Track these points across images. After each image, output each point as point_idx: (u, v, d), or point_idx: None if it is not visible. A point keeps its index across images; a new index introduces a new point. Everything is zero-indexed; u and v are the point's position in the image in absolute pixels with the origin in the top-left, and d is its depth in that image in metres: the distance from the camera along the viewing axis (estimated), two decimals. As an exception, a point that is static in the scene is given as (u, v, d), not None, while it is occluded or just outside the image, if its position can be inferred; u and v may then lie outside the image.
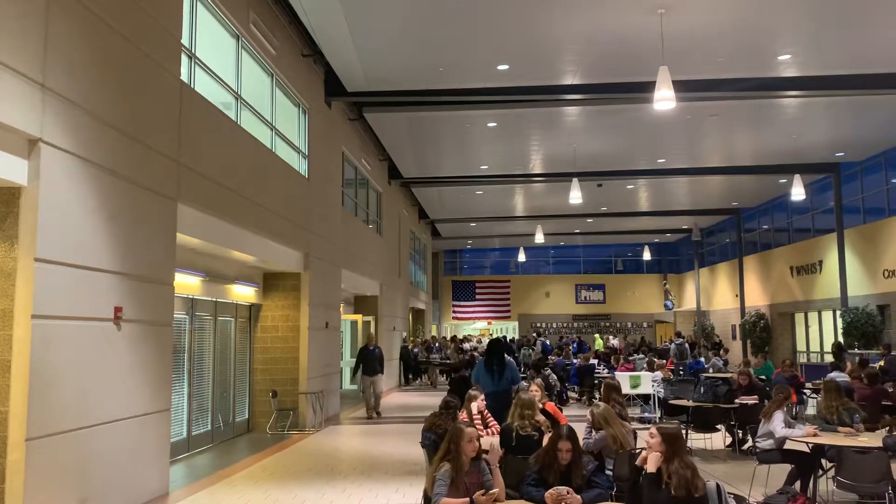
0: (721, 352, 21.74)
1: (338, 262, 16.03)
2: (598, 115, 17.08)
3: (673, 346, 22.93)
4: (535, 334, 30.96)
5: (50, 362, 6.23)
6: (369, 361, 15.44)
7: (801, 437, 7.40)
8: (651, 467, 4.38)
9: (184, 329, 10.85)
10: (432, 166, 22.50)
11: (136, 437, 7.68)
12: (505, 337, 31.13)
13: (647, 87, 12.68)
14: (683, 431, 10.77)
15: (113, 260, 7.21)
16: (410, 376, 24.29)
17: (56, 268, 6.31)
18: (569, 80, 14.65)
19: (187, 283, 10.64)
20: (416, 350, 24.69)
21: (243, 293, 12.98)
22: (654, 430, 4.63)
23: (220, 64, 10.63)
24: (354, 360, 20.89)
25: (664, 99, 10.83)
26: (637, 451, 5.80)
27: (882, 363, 14.05)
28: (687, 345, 23.21)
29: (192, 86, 9.37)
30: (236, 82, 11.12)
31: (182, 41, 8.97)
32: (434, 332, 34.52)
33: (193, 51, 9.56)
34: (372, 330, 21.25)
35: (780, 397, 7.93)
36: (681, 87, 12.62)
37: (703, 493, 4.34)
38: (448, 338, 30.91)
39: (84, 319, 6.76)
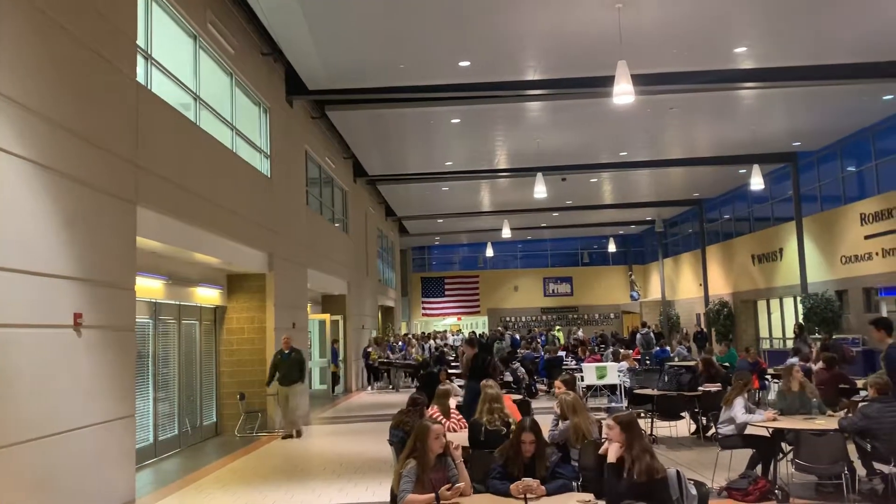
0: (693, 339, 22.15)
1: (303, 261, 15.94)
2: (561, 110, 17.22)
3: (639, 335, 23.24)
4: (502, 328, 31.03)
5: (7, 371, 6.11)
6: (283, 369, 12.55)
7: (761, 423, 7.56)
8: (611, 456, 4.46)
9: (147, 333, 10.72)
10: (397, 163, 22.48)
11: (101, 445, 7.57)
12: (474, 332, 31.15)
13: (607, 82, 12.79)
14: (649, 420, 10.98)
15: (71, 265, 7.10)
16: (371, 379, 22.42)
17: (11, 275, 6.19)
18: (530, 76, 14.74)
19: (150, 287, 10.51)
20: (369, 350, 22.33)
21: (208, 295, 12.85)
22: (609, 420, 4.70)
23: (178, 64, 10.49)
24: (326, 359, 20.84)
25: (623, 93, 10.96)
26: (602, 440, 5.89)
27: (820, 348, 14.41)
28: (652, 334, 23.53)
29: (148, 87, 9.25)
30: (195, 83, 10.99)
31: (137, 42, 8.83)
32: (404, 330, 34.46)
33: (149, 52, 9.42)
34: (340, 330, 21.18)
35: (740, 384, 8.09)
36: (640, 80, 12.79)
37: (663, 474, 4.43)
38: (411, 335, 29.17)
39: (42, 327, 6.64)
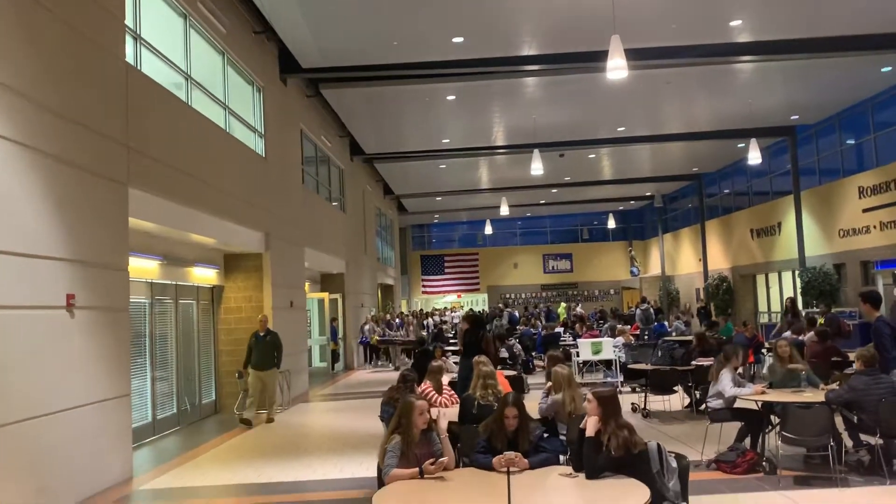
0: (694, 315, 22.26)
1: (300, 240, 15.97)
2: (557, 86, 17.13)
3: (638, 311, 23.31)
4: (501, 305, 31.14)
5: (1, 352, 6.18)
6: (259, 352, 11.71)
7: (749, 396, 7.63)
8: (589, 430, 4.51)
9: (144, 313, 10.78)
10: (394, 141, 22.41)
11: (97, 424, 7.67)
12: (471, 310, 31.21)
13: (602, 57, 12.71)
14: (643, 394, 11.07)
15: (62, 247, 7.14)
16: (370, 357, 22.45)
17: (1, 257, 6.24)
18: (525, 51, 14.67)
19: (145, 268, 10.56)
20: (365, 327, 22.06)
21: (204, 275, 12.91)
22: (589, 395, 4.76)
23: (168, 44, 10.45)
24: (325, 337, 20.99)
25: (617, 68, 10.89)
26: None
27: (822, 321, 14.45)
28: (652, 310, 23.63)
29: (138, 67, 9.23)
30: (185, 62, 10.95)
31: (126, 22, 8.80)
32: (405, 308, 34.56)
33: (138, 32, 9.39)
34: (338, 309, 21.25)
35: (724, 358, 8.14)
36: (634, 55, 12.71)
37: (642, 448, 4.49)
38: (410, 313, 28.87)
39: (35, 308, 6.70)
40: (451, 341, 18.78)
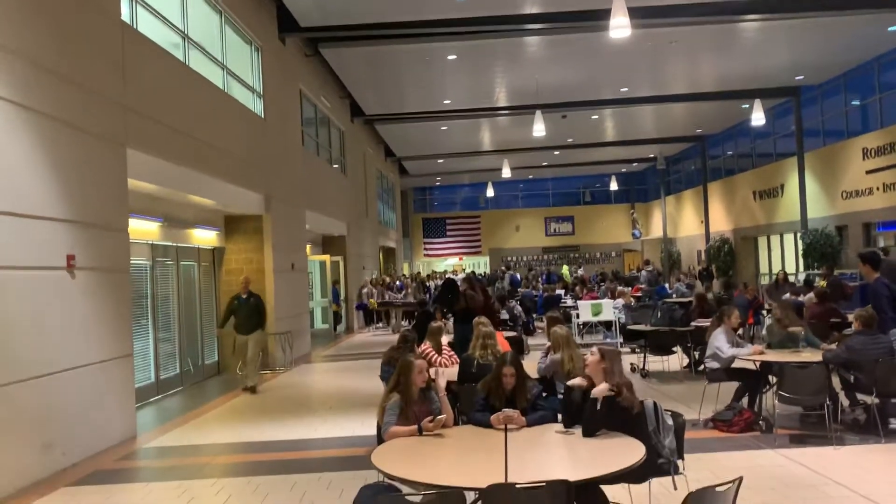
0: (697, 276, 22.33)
1: (301, 203, 15.94)
2: (560, 45, 16.90)
3: (645, 273, 23.35)
4: (504, 268, 31.19)
5: (2, 312, 6.21)
6: (241, 315, 11.16)
7: (747, 356, 7.67)
8: (599, 392, 4.49)
9: (146, 275, 10.81)
10: (395, 102, 22.22)
11: (100, 383, 7.75)
12: (474, 272, 31.22)
13: (605, 15, 12.53)
14: (641, 355, 11.15)
15: (62, 208, 7.13)
16: (369, 320, 22.24)
17: (1, 218, 6.23)
18: (527, 10, 14.44)
19: (145, 229, 10.57)
20: (364, 290, 21.59)
21: (205, 237, 12.91)
22: (594, 349, 4.78)
23: (165, 3, 10.30)
24: (327, 299, 21.03)
25: (620, 26, 10.75)
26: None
27: (824, 283, 14.46)
28: (656, 272, 23.74)
29: (134, 26, 9.11)
30: (182, 21, 10.81)
31: (120, -21, 8.66)
32: (406, 270, 34.63)
33: (134, -11, 9.25)
34: (340, 271, 21.27)
35: (719, 318, 8.17)
36: (638, 13, 12.50)
37: (639, 409, 4.53)
38: (409, 275, 28.45)
39: (35, 269, 6.72)
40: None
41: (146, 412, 9.89)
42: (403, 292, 22.26)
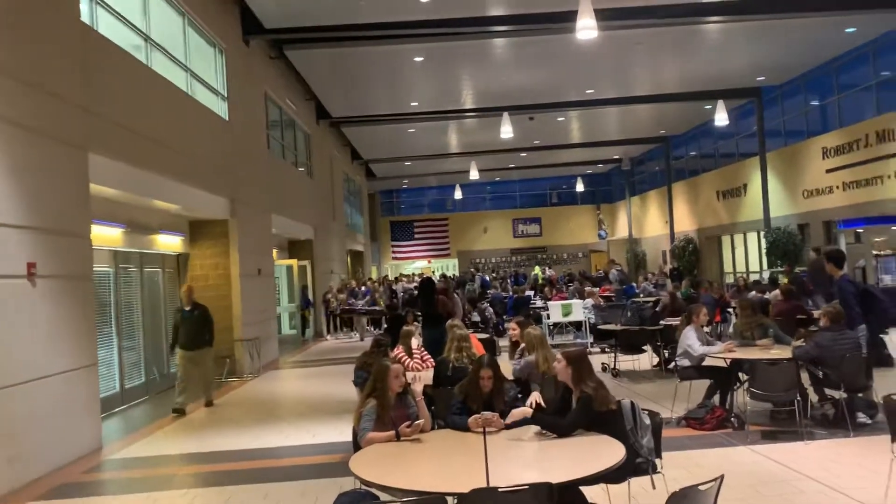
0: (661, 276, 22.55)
1: (267, 206, 15.74)
2: (526, 47, 16.97)
3: (614, 272, 23.51)
4: (473, 270, 31.21)
5: (-41, 323, 6.00)
6: (187, 329, 10.06)
7: (717, 353, 7.73)
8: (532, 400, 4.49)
9: (109, 282, 10.56)
10: (361, 105, 22.09)
11: (63, 394, 7.53)
12: (444, 275, 31.19)
13: (572, 17, 12.61)
14: (612, 354, 11.20)
15: (21, 214, 6.91)
16: (334, 327, 21.44)
17: (-43, 225, 6.02)
18: (494, 11, 14.47)
19: (108, 235, 10.33)
20: (328, 296, 20.84)
21: (169, 243, 12.68)
22: (559, 355, 4.76)
23: (126, 4, 10.08)
24: (294, 304, 20.77)
25: (586, 28, 10.81)
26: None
27: (786, 280, 14.73)
28: (624, 272, 23.95)
29: (95, 28, 8.89)
30: (144, 23, 10.59)
31: (79, -21, 8.45)
32: (375, 274, 34.42)
33: (94, -10, 9.04)
34: (308, 276, 21.04)
35: (685, 317, 8.25)
36: (605, 15, 12.59)
37: (616, 405, 4.52)
38: (376, 279, 27.23)
39: (-6, 277, 6.50)
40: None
41: (112, 423, 9.65)
42: (368, 297, 21.22)
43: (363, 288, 22.02)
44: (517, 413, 4.61)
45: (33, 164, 7.17)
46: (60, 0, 7.90)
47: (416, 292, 23.17)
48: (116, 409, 10.40)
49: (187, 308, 10.16)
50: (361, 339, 19.03)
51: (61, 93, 7.76)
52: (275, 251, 17.67)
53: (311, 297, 21.02)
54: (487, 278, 28.33)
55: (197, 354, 10.06)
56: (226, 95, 13.64)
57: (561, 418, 4.47)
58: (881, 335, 10.39)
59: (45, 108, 7.44)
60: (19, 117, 6.95)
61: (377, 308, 20.39)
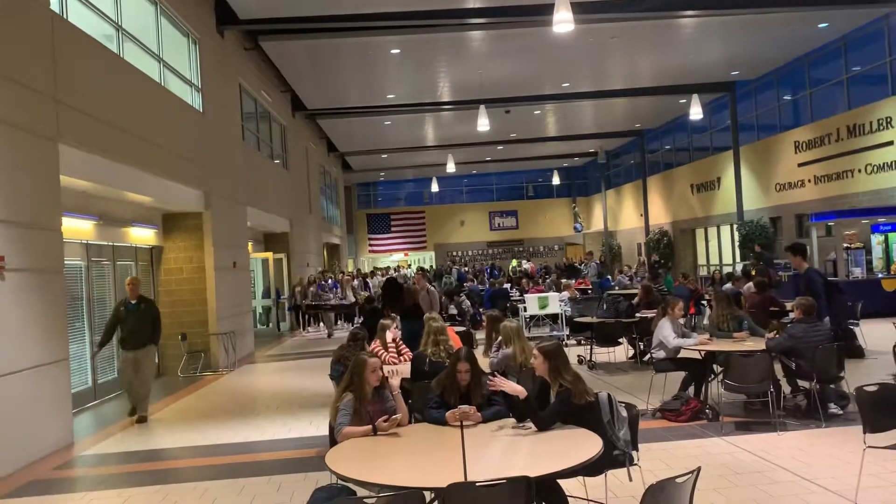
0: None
1: (241, 199, 15.58)
2: (503, 40, 16.94)
3: (594, 265, 23.62)
4: (450, 263, 31.22)
5: (-75, 318, 5.86)
6: (128, 325, 9.09)
7: (693, 346, 7.80)
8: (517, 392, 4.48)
9: (80, 276, 10.39)
10: (337, 97, 21.94)
11: (33, 390, 7.40)
12: (422, 268, 31.14)
13: (548, 10, 12.62)
14: (588, 347, 11.26)
15: (-12, 207, 6.77)
16: (305, 322, 20.43)
17: (-79, 217, 5.88)
18: (471, 3, 14.44)
19: (80, 228, 10.16)
20: (297, 288, 19.81)
21: (142, 236, 12.51)
22: (535, 350, 4.76)
23: (96, -8, 9.89)
24: (270, 298, 20.55)
25: (563, 21, 10.83)
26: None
27: (754, 272, 14.93)
28: (600, 264, 24.06)
29: (64, 16, 8.71)
30: (116, 12, 10.40)
31: (48, -33, 8.27)
32: (351, 267, 34.27)
33: (63, -23, 8.85)
34: (283, 269, 20.86)
35: (660, 309, 8.32)
36: (581, 8, 12.64)
37: (593, 397, 4.53)
38: (346, 273, 25.36)
39: (-40, 271, 6.36)
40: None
41: (83, 418, 9.51)
42: (336, 291, 20.27)
43: (330, 281, 20.87)
44: (516, 386, 4.54)
45: (1, 156, 7.01)
46: (28, -13, 7.72)
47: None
48: (88, 405, 10.25)
49: (132, 301, 9.18)
50: (329, 336, 18.30)
51: (30, 83, 7.59)
52: (250, 244, 17.51)
53: (281, 294, 20.74)
54: (464, 271, 28.37)
55: (139, 355, 9.08)
56: (199, 87, 13.45)
57: (539, 411, 4.47)
58: (851, 327, 10.60)
59: (14, 97, 7.28)
60: (-14, 107, 6.80)
61: (345, 302, 19.69)
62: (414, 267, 33.76)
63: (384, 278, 20.92)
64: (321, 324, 19.92)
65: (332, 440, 4.69)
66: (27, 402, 7.26)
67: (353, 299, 19.95)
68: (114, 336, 9.27)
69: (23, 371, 7.20)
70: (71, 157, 8.34)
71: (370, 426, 4.53)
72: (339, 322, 20.13)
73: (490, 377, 4.64)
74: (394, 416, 4.58)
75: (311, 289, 19.56)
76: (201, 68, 13.55)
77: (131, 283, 9.35)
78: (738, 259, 22.59)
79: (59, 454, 7.60)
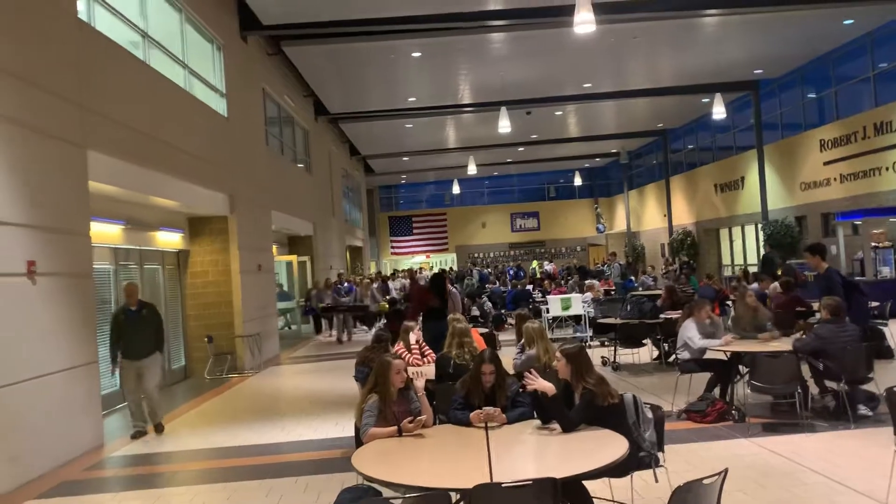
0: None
1: (266, 203, 15.73)
2: (524, 41, 16.93)
3: (617, 266, 23.47)
4: (470, 265, 31.20)
5: (-40, 322, 6.00)
6: (130, 333, 8.43)
7: (718, 346, 7.75)
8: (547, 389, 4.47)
9: (109, 279, 10.55)
10: (359, 101, 22.06)
11: (65, 392, 7.53)
12: (443, 270, 31.17)
13: (569, 11, 12.59)
14: (612, 348, 11.22)
15: (20, 212, 6.90)
16: (324, 326, 19.85)
17: (-43, 224, 6.01)
18: (491, 6, 14.46)
19: (108, 233, 10.32)
20: (314, 292, 19.35)
21: (169, 239, 12.67)
22: (558, 353, 4.76)
23: (123, 1, 10.04)
24: (295, 300, 20.70)
25: (584, 22, 10.79)
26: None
27: (780, 271, 14.78)
28: (625, 265, 23.91)
29: (92, 24, 8.87)
30: (142, 19, 10.56)
31: (76, -24, 8.42)
32: (373, 269, 34.41)
33: (90, -13, 9.01)
34: (307, 271, 20.99)
35: (686, 310, 8.28)
36: (602, 9, 12.58)
37: (618, 399, 4.53)
38: (363, 276, 24.81)
39: (-6, 276, 6.49)
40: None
41: (113, 420, 9.65)
42: (352, 296, 19.41)
43: (346, 284, 19.99)
44: (547, 384, 4.54)
45: (33, 162, 7.16)
46: (57, -3, 7.88)
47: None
48: (118, 406, 10.38)
49: (132, 308, 8.52)
50: (339, 342, 17.62)
51: (59, 90, 7.74)
52: (274, 247, 17.66)
53: (291, 296, 20.67)
54: (486, 272, 28.36)
55: (144, 365, 8.46)
56: (224, 92, 13.60)
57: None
58: (880, 327, 10.45)
59: (44, 105, 7.42)
60: (18, 115, 6.94)
61: (359, 304, 19.07)
62: (436, 268, 33.84)
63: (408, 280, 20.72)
64: (332, 329, 19.03)
65: (358, 441, 4.73)
66: (58, 404, 7.40)
67: (370, 304, 19.25)
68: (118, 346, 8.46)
69: (54, 374, 7.33)
70: (99, 162, 8.48)
71: (395, 427, 4.56)
72: (356, 326, 19.40)
73: (528, 374, 4.62)
74: (419, 418, 4.61)
75: (328, 291, 19.07)
76: (226, 74, 13.70)
77: (129, 288, 8.68)
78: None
79: (89, 455, 7.73)
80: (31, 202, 7.09)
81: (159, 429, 8.73)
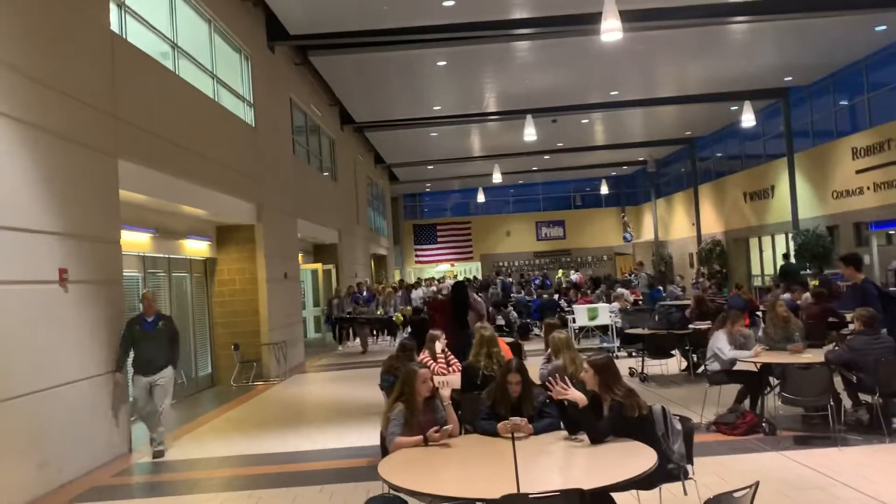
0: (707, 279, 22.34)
1: (292, 211, 15.84)
2: (549, 49, 16.90)
3: (644, 276, 23.28)
4: (494, 274, 31.09)
5: (-6, 328, 6.09)
6: (143, 346, 8.00)
7: (748, 357, 7.63)
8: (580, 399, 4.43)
9: (137, 287, 10.67)
10: (385, 109, 22.17)
11: (94, 398, 7.62)
12: (468, 279, 31.06)
13: (595, 19, 12.55)
14: (640, 359, 11.11)
15: (52, 221, 7.02)
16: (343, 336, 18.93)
17: (-8, 232, 6.12)
18: (517, 14, 14.45)
19: (137, 241, 10.45)
20: (335, 301, 18.64)
21: (197, 248, 12.80)
22: (585, 364, 4.71)
23: (153, 12, 10.21)
24: (320, 308, 20.78)
25: (611, 29, 10.73)
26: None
27: (816, 283, 14.50)
28: (654, 274, 23.69)
29: (123, 36, 9.01)
30: (172, 31, 10.72)
31: (109, -11, 8.57)
32: (398, 277, 34.44)
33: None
34: (332, 279, 21.10)
35: (719, 320, 8.17)
36: (629, 16, 12.50)
37: (647, 410, 4.46)
38: (385, 284, 24.14)
39: (27, 283, 6.60)
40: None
41: (141, 426, 9.72)
42: (372, 304, 19.09)
43: (365, 293, 19.64)
44: (577, 393, 4.52)
45: (64, 171, 7.28)
46: (90, 9, 8.01)
47: (439, 296, 22.58)
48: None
49: (149, 319, 8.10)
50: (364, 351, 17.30)
51: (91, 100, 7.86)
52: (300, 255, 17.77)
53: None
54: (509, 281, 28.25)
55: (157, 380, 8.02)
56: (252, 102, 13.75)
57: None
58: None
59: (76, 115, 7.55)
60: (50, 125, 7.06)
61: (379, 315, 18.65)
62: (461, 276, 33.73)
63: (431, 288, 20.56)
64: (357, 339, 18.46)
65: (384, 450, 4.72)
66: (88, 410, 7.48)
67: (391, 315, 18.67)
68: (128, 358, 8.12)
69: (84, 380, 7.42)
70: (129, 171, 8.59)
71: (421, 437, 4.54)
72: (379, 336, 19.10)
73: (554, 383, 4.58)
74: (445, 427, 4.59)
75: (335, 300, 18.64)
76: (253, 84, 13.85)
77: (147, 297, 8.36)
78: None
79: (118, 461, 7.81)
80: (64, 210, 7.20)
81: (160, 454, 8.01)
